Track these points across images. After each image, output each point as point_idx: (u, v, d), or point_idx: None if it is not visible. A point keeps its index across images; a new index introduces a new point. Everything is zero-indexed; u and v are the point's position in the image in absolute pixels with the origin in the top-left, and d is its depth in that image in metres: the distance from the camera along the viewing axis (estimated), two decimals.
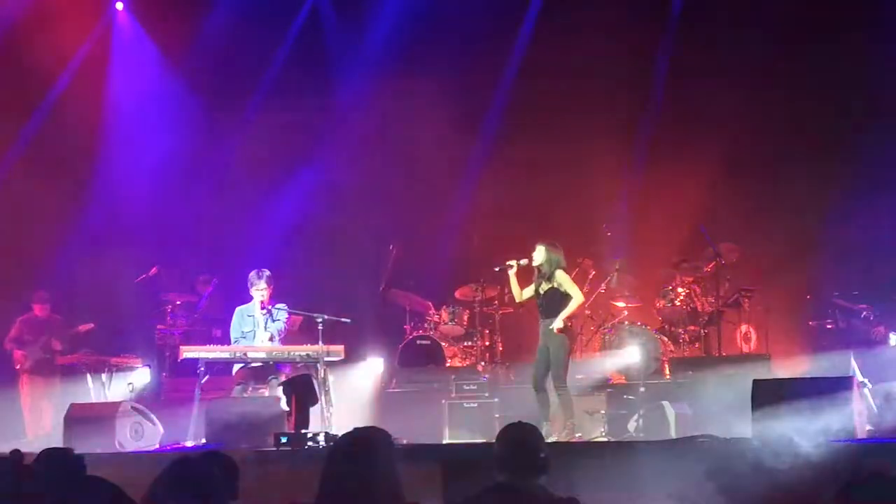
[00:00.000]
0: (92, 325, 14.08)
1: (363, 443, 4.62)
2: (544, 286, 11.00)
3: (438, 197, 15.55)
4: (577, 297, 11.00)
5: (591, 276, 13.66)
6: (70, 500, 4.89)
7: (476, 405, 12.13)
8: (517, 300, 11.44)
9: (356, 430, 4.79)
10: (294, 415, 9.81)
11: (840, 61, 13.90)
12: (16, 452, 5.54)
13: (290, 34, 16.07)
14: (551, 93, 15.15)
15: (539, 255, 11.02)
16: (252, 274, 11.33)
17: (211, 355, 11.03)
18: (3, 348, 13.94)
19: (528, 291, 11.23)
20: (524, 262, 11.09)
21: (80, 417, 10.57)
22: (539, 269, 11.06)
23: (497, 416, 11.66)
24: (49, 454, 5.48)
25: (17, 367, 13.81)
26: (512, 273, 11.17)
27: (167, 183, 15.58)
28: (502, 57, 15.82)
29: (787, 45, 14.34)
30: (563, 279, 10.99)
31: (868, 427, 9.09)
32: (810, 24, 14.37)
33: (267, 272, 11.34)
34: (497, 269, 11.60)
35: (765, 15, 14.39)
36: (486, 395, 12.33)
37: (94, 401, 12.71)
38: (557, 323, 10.84)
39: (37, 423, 13.50)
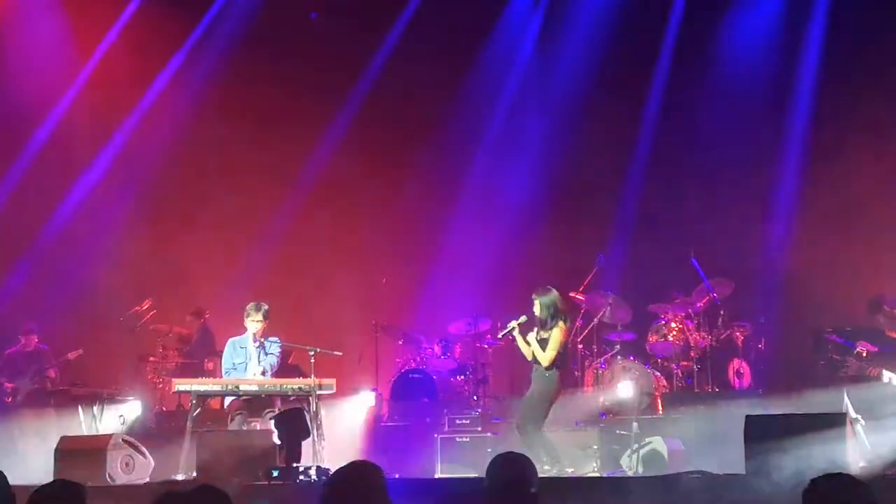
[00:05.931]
0: (80, 352, 14.04)
1: (356, 478, 4.60)
2: (542, 335, 10.63)
3: (430, 230, 15.59)
4: (548, 357, 10.49)
5: (583, 311, 13.67)
6: None
7: (468, 439, 12.07)
8: (529, 359, 10.80)
9: (351, 464, 4.76)
10: (285, 448, 9.77)
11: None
12: None
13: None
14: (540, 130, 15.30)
15: (535, 306, 10.68)
16: (250, 305, 11.29)
17: (202, 388, 10.98)
18: None
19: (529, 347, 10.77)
20: (522, 319, 10.71)
21: (71, 450, 10.49)
22: (539, 318, 10.69)
23: (489, 450, 11.57)
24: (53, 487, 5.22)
25: (9, 399, 13.71)
26: (516, 334, 10.75)
27: (162, 215, 15.62)
28: (491, 91, 15.91)
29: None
30: (554, 334, 10.54)
31: (861, 463, 9.07)
32: None
33: (265, 306, 11.30)
34: (500, 336, 11.48)
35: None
36: (479, 429, 12.27)
37: (85, 433, 12.63)
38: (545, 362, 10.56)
39: (30, 454, 13.37)
